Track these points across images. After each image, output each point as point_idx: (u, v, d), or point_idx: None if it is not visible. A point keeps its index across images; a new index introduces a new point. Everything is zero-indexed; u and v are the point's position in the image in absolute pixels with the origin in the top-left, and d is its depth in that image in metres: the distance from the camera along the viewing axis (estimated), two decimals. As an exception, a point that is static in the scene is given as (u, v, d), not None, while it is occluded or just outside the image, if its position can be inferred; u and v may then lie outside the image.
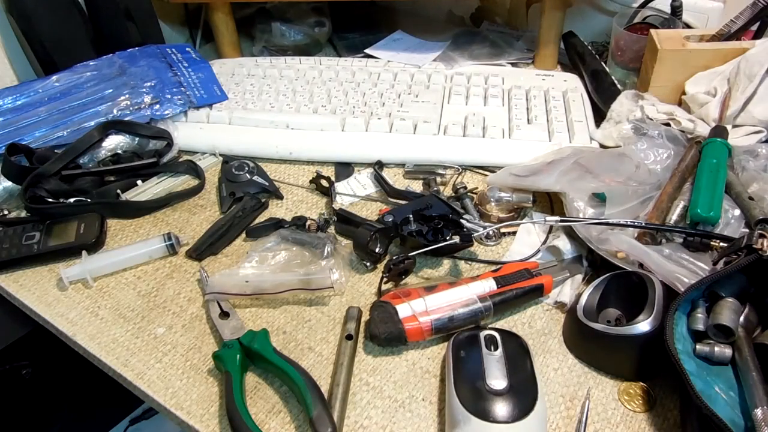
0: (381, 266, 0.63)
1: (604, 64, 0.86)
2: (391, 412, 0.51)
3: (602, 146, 0.74)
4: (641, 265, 0.55)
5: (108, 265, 0.64)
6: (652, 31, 0.78)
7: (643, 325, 0.49)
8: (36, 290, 0.63)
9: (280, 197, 0.73)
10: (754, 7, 0.74)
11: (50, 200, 0.70)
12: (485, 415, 0.45)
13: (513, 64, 0.95)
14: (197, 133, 0.80)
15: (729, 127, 0.70)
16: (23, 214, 0.71)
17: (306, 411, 0.48)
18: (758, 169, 0.63)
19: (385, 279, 0.59)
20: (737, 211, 0.59)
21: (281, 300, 0.60)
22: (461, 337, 0.53)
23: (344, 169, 0.77)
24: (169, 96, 0.81)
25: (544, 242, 0.64)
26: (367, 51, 0.98)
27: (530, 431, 0.45)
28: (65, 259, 0.65)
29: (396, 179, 0.75)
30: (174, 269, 0.65)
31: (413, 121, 0.78)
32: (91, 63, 0.84)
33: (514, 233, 0.66)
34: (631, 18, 0.87)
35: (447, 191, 0.72)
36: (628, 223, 0.58)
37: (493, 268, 0.61)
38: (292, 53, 0.99)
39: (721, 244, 0.55)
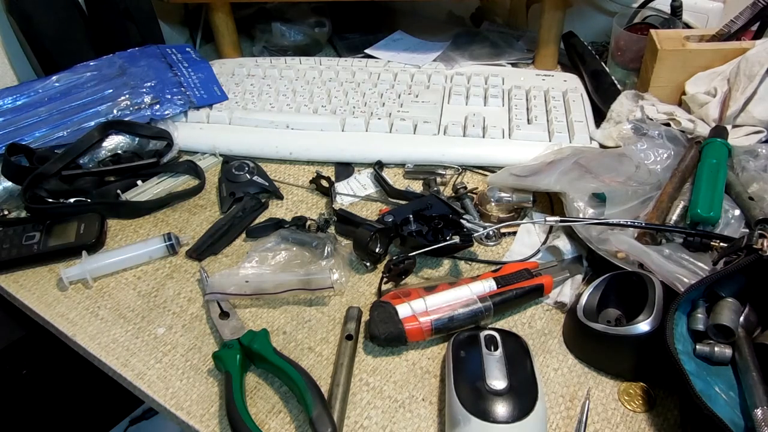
0: (381, 266, 0.63)
1: (604, 64, 0.86)
2: (391, 412, 0.51)
3: (602, 146, 0.74)
4: (641, 265, 0.55)
5: (108, 265, 0.64)
6: (652, 31, 0.78)
7: (643, 325, 0.49)
8: (36, 290, 0.63)
9: (280, 197, 0.73)
10: (754, 7, 0.74)
11: (50, 200, 0.70)
12: (485, 416, 0.45)
13: (513, 64, 0.95)
14: (197, 133, 0.80)
15: (729, 127, 0.70)
16: (23, 214, 0.71)
17: (306, 411, 0.48)
18: (758, 169, 0.62)
19: (385, 279, 0.59)
20: (737, 211, 0.59)
21: (281, 300, 0.60)
22: (461, 337, 0.53)
23: (344, 169, 0.77)
24: (169, 96, 0.81)
25: (544, 242, 0.64)
26: (367, 51, 0.98)
27: (530, 431, 0.45)
28: (65, 259, 0.65)
29: (396, 179, 0.75)
30: (174, 269, 0.65)
31: (413, 121, 0.78)
32: (91, 63, 0.84)
33: (514, 233, 0.66)
34: (631, 18, 0.87)
35: (447, 191, 0.72)
36: (628, 223, 0.58)
37: (493, 268, 0.61)
38: (292, 53, 0.99)
39: (721, 244, 0.55)
